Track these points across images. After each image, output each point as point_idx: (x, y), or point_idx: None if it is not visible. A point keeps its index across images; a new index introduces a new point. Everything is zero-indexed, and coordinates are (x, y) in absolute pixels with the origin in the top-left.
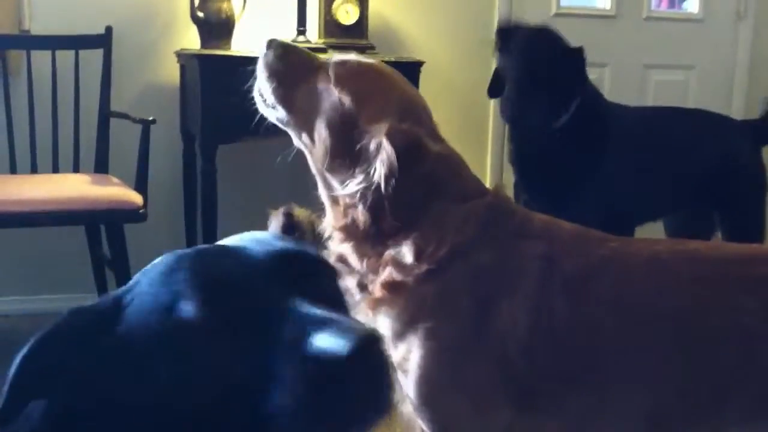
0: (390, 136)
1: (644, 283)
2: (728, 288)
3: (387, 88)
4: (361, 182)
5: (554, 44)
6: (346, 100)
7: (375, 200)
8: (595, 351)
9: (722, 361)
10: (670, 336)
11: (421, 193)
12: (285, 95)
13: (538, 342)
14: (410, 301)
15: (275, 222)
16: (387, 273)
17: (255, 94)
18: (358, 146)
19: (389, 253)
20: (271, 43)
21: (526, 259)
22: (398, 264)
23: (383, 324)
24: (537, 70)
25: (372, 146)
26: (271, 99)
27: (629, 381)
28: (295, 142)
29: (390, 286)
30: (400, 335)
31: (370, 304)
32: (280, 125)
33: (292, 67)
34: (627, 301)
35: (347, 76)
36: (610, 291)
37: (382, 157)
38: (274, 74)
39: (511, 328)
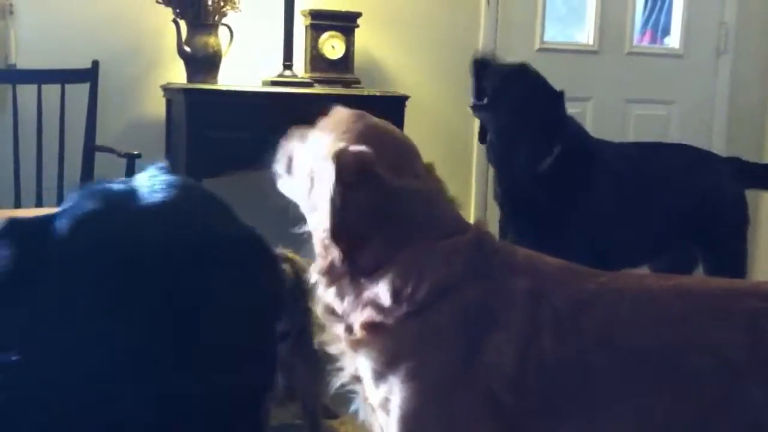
0: (336, 156)
1: (634, 319)
2: (715, 322)
3: (353, 121)
4: (322, 213)
5: (535, 89)
6: (312, 135)
7: (338, 231)
8: (585, 387)
9: (709, 397)
10: (658, 372)
11: (372, 219)
12: (286, 162)
13: (528, 378)
14: (390, 342)
15: None
16: (366, 314)
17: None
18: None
19: (367, 293)
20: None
21: (512, 294)
22: (376, 305)
23: (364, 365)
24: (518, 116)
25: (323, 171)
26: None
27: (618, 418)
28: (299, 204)
29: (369, 327)
30: (381, 376)
31: (351, 344)
32: (288, 195)
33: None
34: (616, 337)
35: (323, 118)
36: (600, 326)
37: (326, 176)
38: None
39: (499, 364)
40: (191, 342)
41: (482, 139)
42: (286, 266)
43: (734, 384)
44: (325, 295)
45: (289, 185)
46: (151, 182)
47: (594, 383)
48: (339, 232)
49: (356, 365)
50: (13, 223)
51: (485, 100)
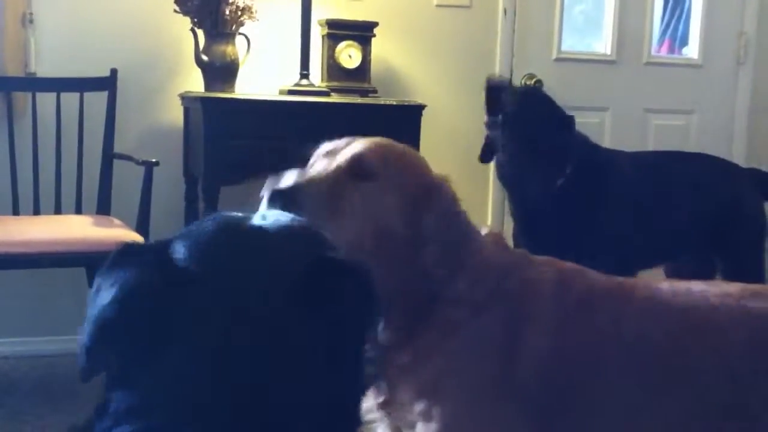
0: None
1: (641, 315)
2: (720, 320)
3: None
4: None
5: (548, 110)
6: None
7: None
8: (594, 380)
9: (713, 395)
10: (662, 370)
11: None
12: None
13: (553, 366)
14: (440, 358)
15: None
16: (439, 319)
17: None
18: None
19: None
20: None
21: (541, 284)
22: (452, 301)
23: (408, 386)
24: (531, 142)
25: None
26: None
27: (624, 415)
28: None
29: (444, 327)
30: (426, 392)
31: (398, 369)
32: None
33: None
34: (624, 332)
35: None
36: (611, 320)
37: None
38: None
39: (534, 353)
40: (336, 353)
41: (484, 159)
42: None
43: (739, 383)
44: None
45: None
46: (260, 214)
47: (601, 376)
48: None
49: (394, 390)
50: (130, 247)
51: (499, 117)
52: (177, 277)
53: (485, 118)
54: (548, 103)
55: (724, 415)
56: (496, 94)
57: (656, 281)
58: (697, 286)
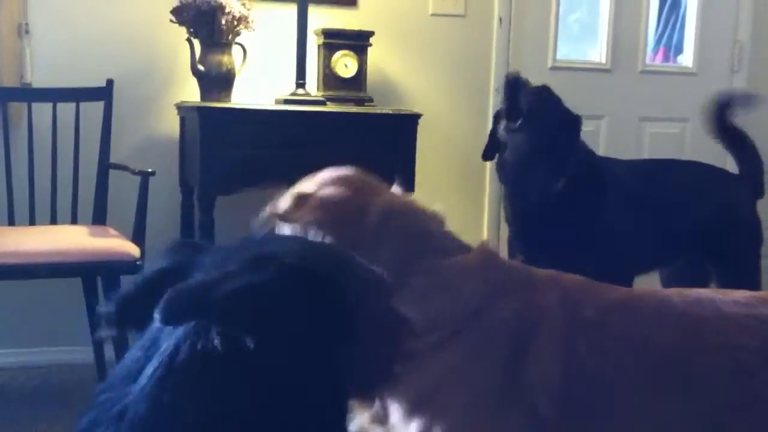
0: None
1: (653, 325)
2: (730, 327)
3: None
4: None
5: (561, 111)
6: None
7: None
8: (615, 393)
9: (723, 399)
10: (673, 375)
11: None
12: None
13: (567, 388)
14: (426, 373)
15: None
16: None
17: None
18: None
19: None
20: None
21: (546, 307)
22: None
23: (396, 403)
24: (547, 139)
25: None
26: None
27: (641, 423)
28: None
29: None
30: (418, 409)
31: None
32: None
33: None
34: (637, 343)
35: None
36: (623, 333)
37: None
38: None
39: (542, 377)
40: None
41: (487, 156)
42: None
43: (750, 386)
44: None
45: None
46: None
47: (620, 388)
48: None
49: (381, 407)
50: (181, 242)
51: (518, 123)
52: (185, 268)
53: (503, 122)
54: (558, 103)
55: (733, 420)
56: (516, 93)
57: (665, 291)
58: (705, 295)
